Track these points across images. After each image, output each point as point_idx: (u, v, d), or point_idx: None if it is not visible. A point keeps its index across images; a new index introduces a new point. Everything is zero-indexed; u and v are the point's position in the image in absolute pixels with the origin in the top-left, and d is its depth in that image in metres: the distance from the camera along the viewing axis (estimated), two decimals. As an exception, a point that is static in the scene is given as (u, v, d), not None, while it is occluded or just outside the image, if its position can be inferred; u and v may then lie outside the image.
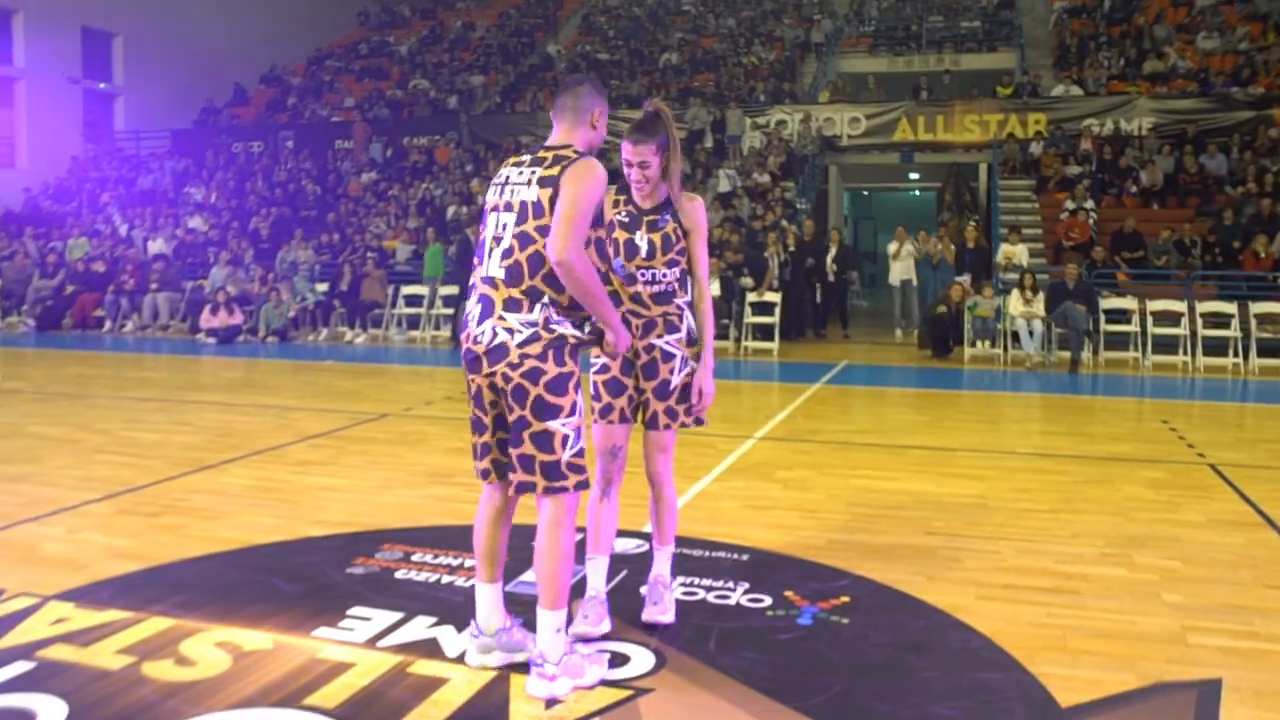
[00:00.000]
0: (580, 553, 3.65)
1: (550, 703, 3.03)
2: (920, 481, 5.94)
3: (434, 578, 4.15)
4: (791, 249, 14.33)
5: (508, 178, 3.08)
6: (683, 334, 3.65)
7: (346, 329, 15.08)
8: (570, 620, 3.44)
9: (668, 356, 3.61)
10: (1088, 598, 3.97)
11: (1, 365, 11.73)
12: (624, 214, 3.61)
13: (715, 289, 12.93)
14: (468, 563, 4.27)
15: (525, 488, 3.07)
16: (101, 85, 25.60)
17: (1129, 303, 12.42)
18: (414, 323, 14.93)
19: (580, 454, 3.09)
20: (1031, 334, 11.55)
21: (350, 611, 3.76)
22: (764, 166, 18.69)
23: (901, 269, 14.57)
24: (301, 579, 4.15)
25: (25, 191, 22.62)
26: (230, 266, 16.20)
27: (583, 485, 3.12)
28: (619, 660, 3.34)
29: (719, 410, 8.88)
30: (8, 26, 22.32)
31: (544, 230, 2.93)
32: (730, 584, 4.09)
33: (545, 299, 2.95)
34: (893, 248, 14.88)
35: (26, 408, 8.61)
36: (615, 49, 26.81)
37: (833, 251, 14.81)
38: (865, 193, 27.39)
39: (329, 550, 4.56)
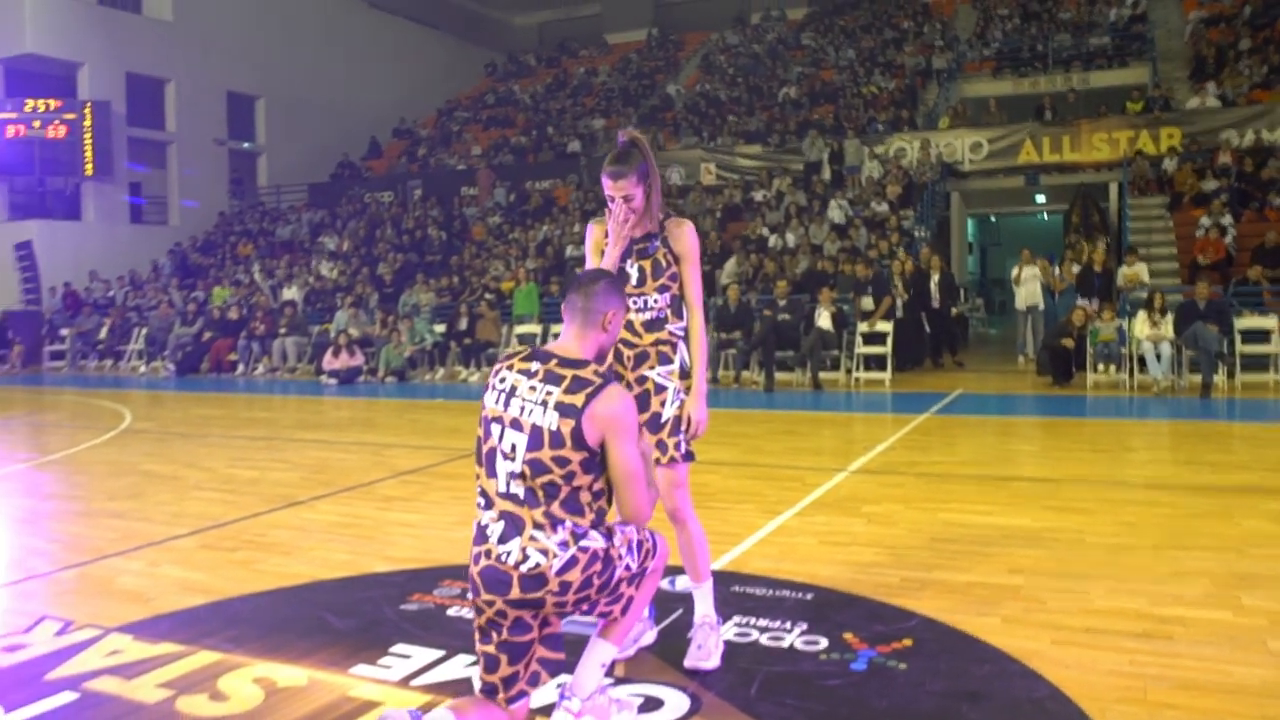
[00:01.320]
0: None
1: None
2: (1015, 515, 5.58)
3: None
4: (906, 278, 13.93)
5: (514, 388, 2.79)
6: (675, 366, 3.55)
7: (462, 368, 15.35)
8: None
9: (660, 389, 3.50)
10: (1180, 644, 3.60)
11: (136, 407, 12.32)
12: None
13: (825, 321, 12.65)
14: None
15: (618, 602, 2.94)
16: (245, 145, 27.02)
17: (1269, 322, 11.55)
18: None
19: (652, 547, 2.96)
20: (1159, 357, 10.85)
21: (393, 649, 3.72)
22: (882, 196, 18.30)
23: (1027, 294, 13.97)
24: (354, 615, 4.14)
25: (175, 246, 23.96)
26: (353, 310, 16.74)
27: (654, 542, 2.99)
28: (652, 704, 3.20)
29: (815, 444, 8.65)
30: (160, 95, 23.78)
31: (561, 461, 2.70)
32: (787, 624, 3.88)
33: (566, 523, 2.74)
34: (1015, 272, 14.30)
35: (145, 447, 8.99)
36: (734, 85, 26.86)
37: (935, 278, 14.32)
38: (992, 219, 26.55)
39: (389, 586, 4.54)
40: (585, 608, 2.86)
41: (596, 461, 2.77)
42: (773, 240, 17.53)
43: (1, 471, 7.97)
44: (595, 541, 2.77)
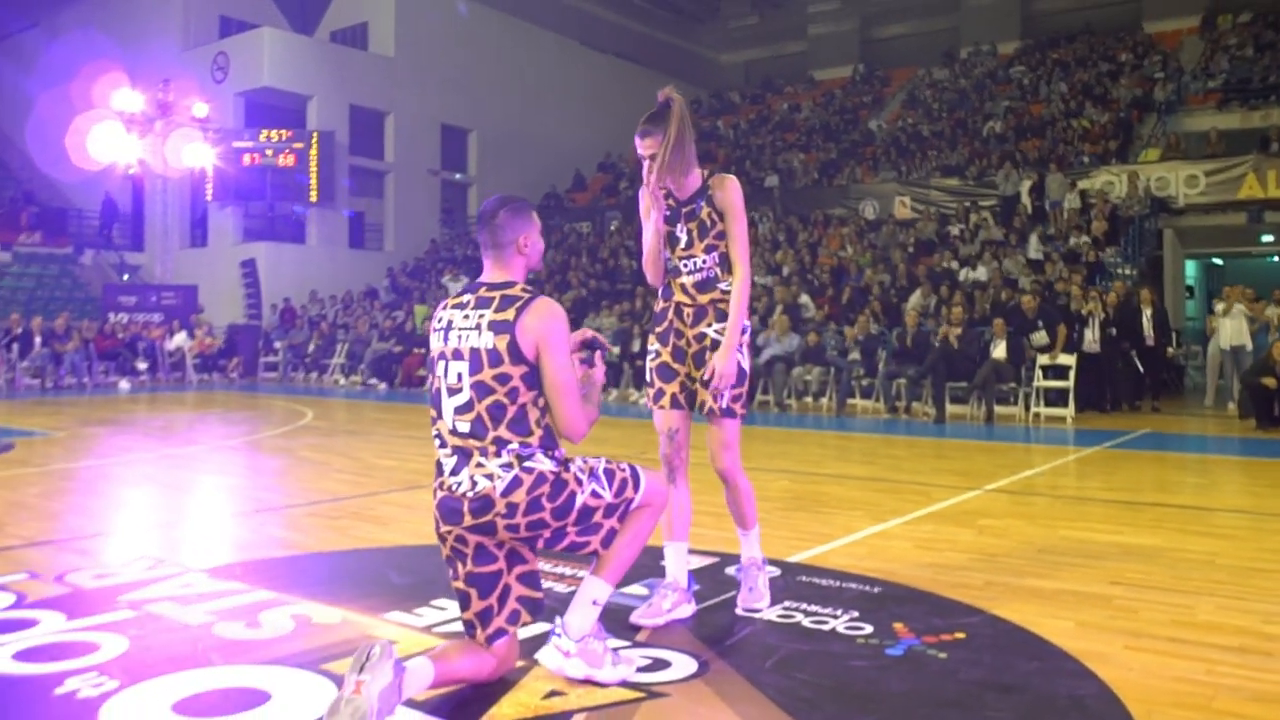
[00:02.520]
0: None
1: (550, 694, 2.83)
2: (1145, 535, 5.07)
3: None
4: (1109, 312, 13.06)
5: (450, 322, 2.84)
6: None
7: (634, 391, 15.50)
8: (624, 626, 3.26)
9: (717, 345, 3.50)
10: (1277, 659, 3.17)
11: (320, 410, 13.09)
12: (667, 209, 3.56)
13: (1000, 352, 12.00)
14: (579, 573, 4.15)
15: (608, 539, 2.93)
16: (457, 176, 28.46)
17: None
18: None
19: (629, 477, 2.94)
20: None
21: (434, 601, 3.75)
22: (1085, 230, 17.29)
23: (1232, 331, 12.79)
24: (415, 574, 4.22)
25: (389, 271, 25.44)
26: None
27: (632, 474, 2.97)
28: (659, 665, 3.08)
29: (960, 466, 8.18)
30: (380, 126, 25.41)
31: (502, 379, 2.74)
32: (838, 611, 3.65)
33: (513, 445, 2.76)
34: (1220, 306, 13.13)
35: (311, 439, 9.53)
36: (937, 120, 26.18)
37: (1147, 313, 13.32)
38: (1216, 261, 24.57)
39: (461, 554, 4.59)
40: (549, 535, 2.82)
41: (537, 377, 2.80)
42: (963, 274, 16.87)
43: (184, 450, 8.65)
44: (541, 464, 2.77)
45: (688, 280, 3.54)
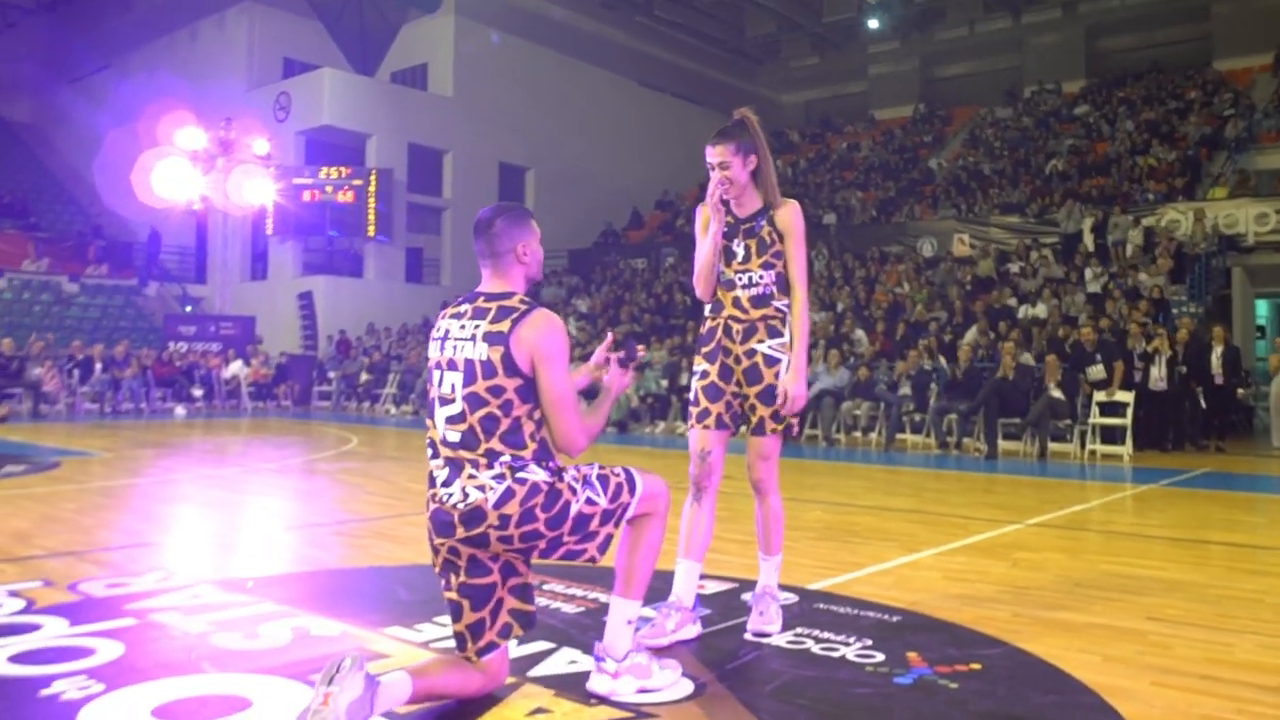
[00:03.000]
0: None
1: (536, 711, 2.74)
2: (1192, 572, 4.83)
3: (543, 603, 3.96)
4: (1178, 349, 12.68)
5: (448, 331, 2.79)
6: (786, 338, 3.55)
7: (680, 423, 15.36)
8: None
9: (771, 361, 3.52)
10: (1317, 700, 2.96)
11: (366, 437, 13.17)
12: (725, 224, 3.57)
13: (1056, 392, 11.67)
14: (591, 594, 4.06)
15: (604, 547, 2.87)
16: (515, 213, 28.67)
17: None
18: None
19: (625, 481, 2.88)
20: None
21: (436, 618, 3.68)
22: (1149, 268, 16.87)
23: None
24: (423, 590, 4.15)
25: (444, 304, 25.68)
26: (579, 363, 17.20)
27: (628, 478, 2.91)
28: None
29: (1005, 500, 7.93)
30: (439, 164, 25.79)
31: (496, 391, 2.68)
32: (851, 639, 3.51)
33: (505, 457, 2.69)
34: (1284, 344, 12.69)
35: (352, 464, 9.57)
36: (998, 159, 25.87)
37: (1218, 350, 12.90)
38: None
39: (476, 574, 4.52)
40: (544, 545, 2.75)
41: (533, 389, 2.74)
42: (1022, 311, 16.55)
43: (224, 471, 8.72)
44: (534, 474, 2.70)
45: (742, 294, 3.54)
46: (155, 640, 3.33)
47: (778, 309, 3.54)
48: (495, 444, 2.69)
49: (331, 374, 20.49)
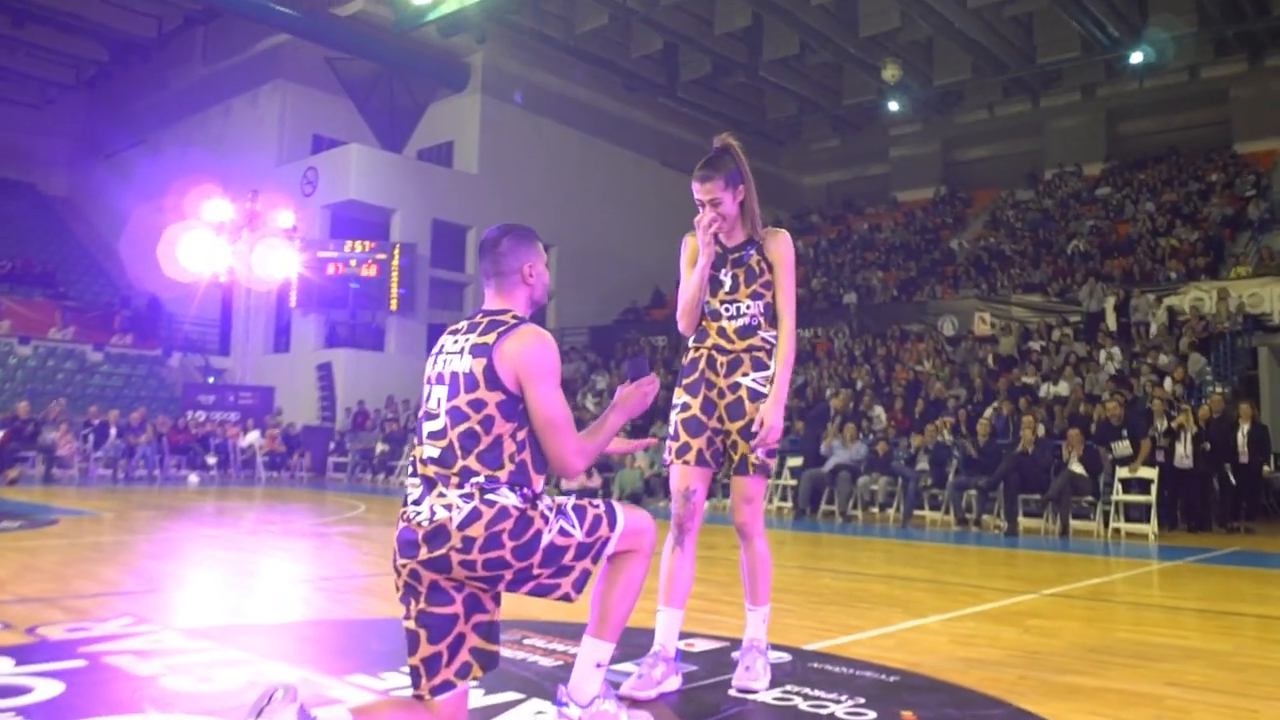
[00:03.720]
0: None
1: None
2: (1216, 640, 4.54)
3: (521, 656, 3.75)
4: (1203, 426, 12.36)
5: (442, 347, 2.69)
6: (770, 372, 3.37)
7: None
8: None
9: (756, 396, 3.34)
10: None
11: (375, 505, 12.99)
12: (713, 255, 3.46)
13: (1078, 467, 11.37)
14: (573, 650, 3.84)
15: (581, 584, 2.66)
16: (537, 290, 28.80)
17: None
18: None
19: (604, 515, 2.70)
20: None
21: (404, 668, 3.46)
22: (1171, 348, 16.61)
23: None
24: (395, 641, 3.93)
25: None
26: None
27: (607, 511, 2.73)
28: (627, 739, 2.75)
29: (1022, 571, 7.62)
30: (462, 240, 25.98)
31: (477, 405, 2.53)
32: (843, 697, 3.27)
33: (479, 478, 2.52)
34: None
35: (356, 529, 9.40)
36: (1019, 239, 25.82)
37: (1245, 428, 12.58)
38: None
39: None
40: (511, 576, 2.53)
41: (519, 409, 2.56)
42: (1044, 389, 16.29)
43: (220, 531, 8.57)
44: (505, 498, 2.52)
45: (728, 325, 3.40)
46: (100, 681, 3.16)
47: (764, 340, 3.40)
48: (471, 461, 2.52)
49: (349, 445, 20.39)
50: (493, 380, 2.53)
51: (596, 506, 2.69)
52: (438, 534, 2.47)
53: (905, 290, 24.73)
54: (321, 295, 23.02)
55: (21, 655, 3.42)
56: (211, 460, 18.04)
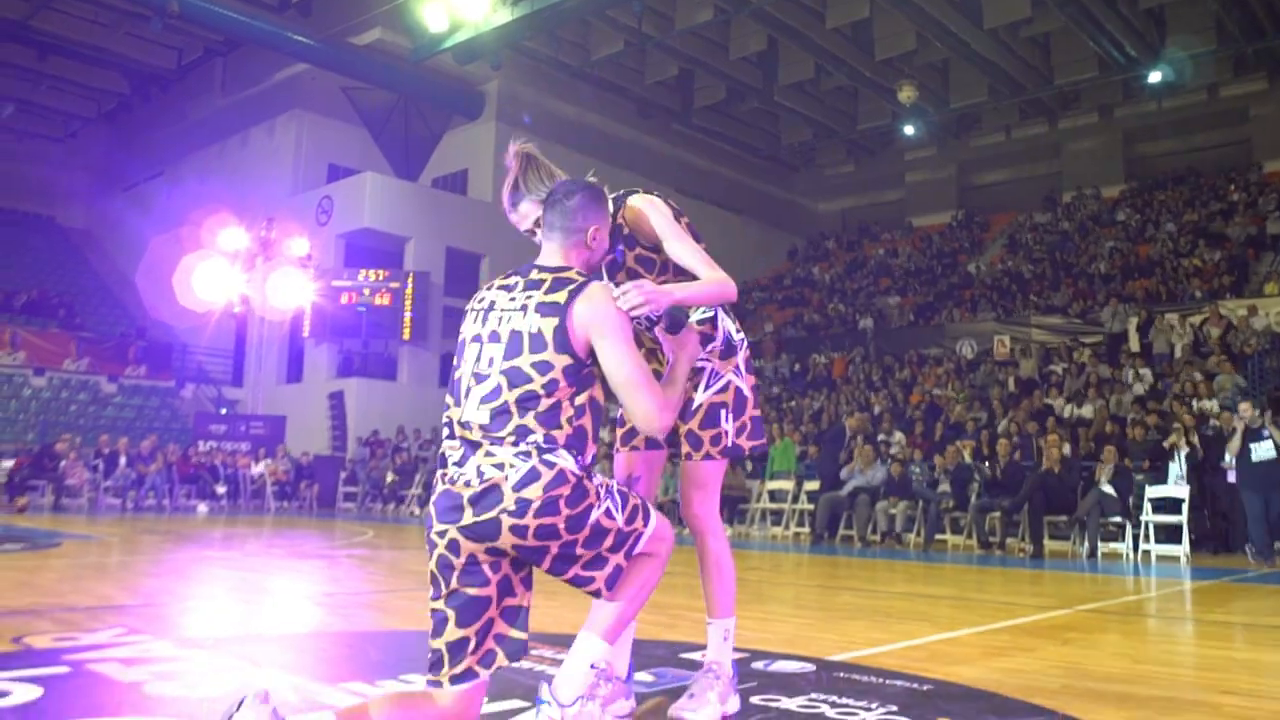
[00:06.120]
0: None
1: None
2: (1273, 652, 4.28)
3: (527, 665, 3.53)
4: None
5: (493, 303, 2.47)
6: (716, 344, 2.90)
7: (735, 525, 14.88)
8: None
9: (694, 371, 2.86)
10: None
11: (383, 532, 12.80)
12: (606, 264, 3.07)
13: (1107, 488, 11.05)
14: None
15: (613, 580, 2.44)
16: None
17: None
18: (777, 518, 14.40)
19: (640, 508, 2.49)
20: None
21: (403, 675, 3.27)
22: (1199, 366, 16.29)
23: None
24: (395, 652, 3.77)
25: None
26: (605, 462, 16.81)
27: (645, 509, 2.52)
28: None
29: (1052, 589, 7.34)
30: (475, 268, 25.88)
31: (542, 367, 2.33)
32: (874, 704, 3.04)
33: (536, 436, 2.31)
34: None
35: (363, 552, 9.20)
36: (1038, 262, 25.57)
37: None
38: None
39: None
40: (556, 552, 2.31)
41: (582, 373, 2.37)
42: (1067, 410, 15.98)
43: (223, 553, 8.39)
44: (564, 460, 2.31)
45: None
46: (80, 687, 2.96)
47: (700, 320, 2.89)
48: (529, 420, 2.31)
49: (360, 475, 20.22)
50: (563, 342, 2.35)
51: (636, 497, 2.49)
52: (488, 494, 2.26)
53: (922, 314, 24.50)
54: (335, 324, 22.94)
55: (3, 662, 3.23)
56: (221, 490, 17.87)
